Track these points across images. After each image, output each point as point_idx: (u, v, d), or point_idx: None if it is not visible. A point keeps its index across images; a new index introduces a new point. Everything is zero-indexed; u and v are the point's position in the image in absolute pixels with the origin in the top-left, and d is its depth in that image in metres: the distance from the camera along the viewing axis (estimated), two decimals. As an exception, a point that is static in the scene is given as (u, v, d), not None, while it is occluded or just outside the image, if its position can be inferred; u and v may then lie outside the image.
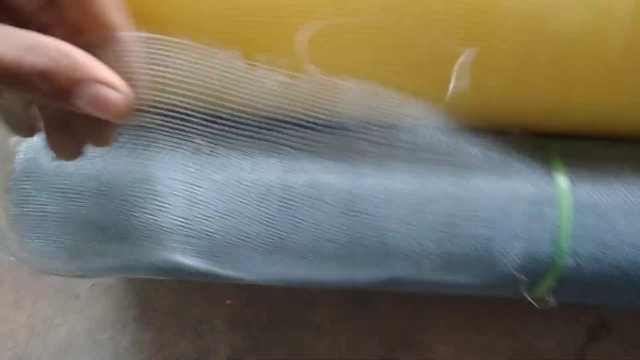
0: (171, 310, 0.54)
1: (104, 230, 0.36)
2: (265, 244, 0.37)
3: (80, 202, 0.36)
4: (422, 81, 0.36)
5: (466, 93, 0.34)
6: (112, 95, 0.19)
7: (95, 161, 0.36)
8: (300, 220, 0.36)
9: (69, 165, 0.36)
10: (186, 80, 0.27)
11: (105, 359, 0.53)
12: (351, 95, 0.32)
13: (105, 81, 0.19)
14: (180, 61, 0.26)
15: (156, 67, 0.25)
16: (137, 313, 0.54)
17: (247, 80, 0.29)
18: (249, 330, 0.54)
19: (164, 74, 0.25)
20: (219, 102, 0.29)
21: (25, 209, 0.37)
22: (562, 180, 0.38)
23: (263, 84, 0.30)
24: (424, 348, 0.55)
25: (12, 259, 0.38)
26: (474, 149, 0.38)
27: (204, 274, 0.39)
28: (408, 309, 0.55)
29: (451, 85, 0.33)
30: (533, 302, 0.42)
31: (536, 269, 0.39)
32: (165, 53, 0.25)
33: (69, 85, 0.18)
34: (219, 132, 0.34)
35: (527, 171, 0.38)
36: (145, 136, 0.35)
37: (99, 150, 0.36)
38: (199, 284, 0.54)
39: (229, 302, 0.54)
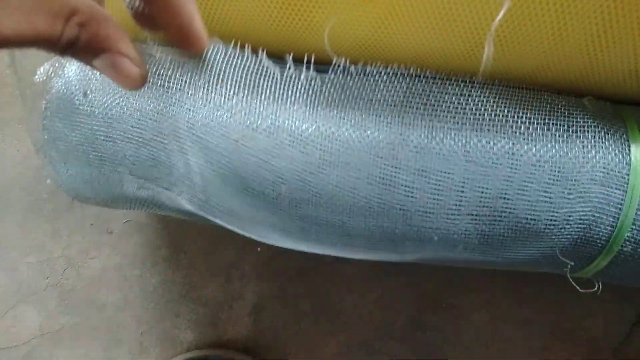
0: (202, 253, 0.53)
1: (130, 169, 0.36)
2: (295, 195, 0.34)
3: (110, 142, 0.36)
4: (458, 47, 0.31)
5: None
6: (128, 67, 0.23)
7: (126, 102, 0.35)
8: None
9: (100, 107, 0.35)
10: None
11: (135, 295, 0.54)
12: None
13: (127, 54, 0.23)
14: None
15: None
16: (168, 253, 0.53)
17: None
18: (278, 279, 0.53)
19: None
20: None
21: (57, 146, 0.37)
22: (637, 158, 0.32)
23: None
24: (456, 314, 0.52)
25: (49, 181, 0.40)
26: (539, 115, 0.33)
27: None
28: (445, 272, 0.52)
29: (485, 53, 0.28)
30: (574, 283, 0.38)
31: (587, 253, 0.35)
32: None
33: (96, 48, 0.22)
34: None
35: (600, 143, 0.33)
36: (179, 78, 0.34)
37: (130, 92, 0.35)
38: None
39: (259, 249, 0.53)
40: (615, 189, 0.33)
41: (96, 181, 0.39)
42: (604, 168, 0.33)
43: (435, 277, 0.52)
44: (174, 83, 0.33)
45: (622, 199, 0.33)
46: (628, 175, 0.33)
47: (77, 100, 0.36)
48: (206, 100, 0.33)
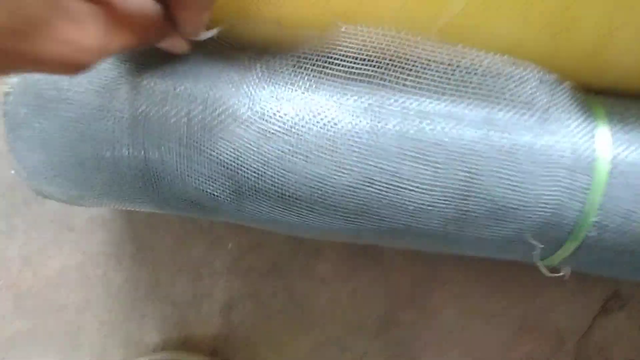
0: (169, 250, 0.51)
1: (100, 160, 0.34)
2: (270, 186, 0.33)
3: (78, 130, 0.33)
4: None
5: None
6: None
7: (95, 87, 0.33)
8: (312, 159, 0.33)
9: (67, 91, 0.33)
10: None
11: (98, 295, 0.51)
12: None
13: None
14: None
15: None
16: (133, 250, 0.51)
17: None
18: (249, 277, 0.52)
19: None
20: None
21: (21, 134, 0.34)
22: (602, 145, 0.34)
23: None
24: (428, 309, 0.53)
25: (12, 172, 0.37)
26: (518, 94, 0.34)
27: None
28: (417, 268, 0.52)
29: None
30: (545, 270, 0.39)
31: (556, 237, 0.36)
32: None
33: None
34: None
35: (569, 130, 0.34)
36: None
37: (100, 76, 0.33)
38: (200, 225, 0.51)
39: (230, 246, 0.52)
40: (582, 174, 0.34)
41: (65, 173, 0.36)
42: (571, 154, 0.34)
43: (409, 271, 0.52)
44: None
45: (588, 184, 0.34)
46: (594, 161, 0.34)
47: (45, 84, 0.34)
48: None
